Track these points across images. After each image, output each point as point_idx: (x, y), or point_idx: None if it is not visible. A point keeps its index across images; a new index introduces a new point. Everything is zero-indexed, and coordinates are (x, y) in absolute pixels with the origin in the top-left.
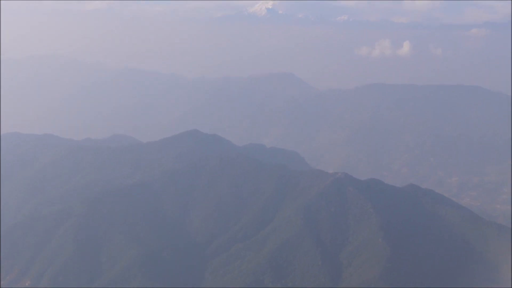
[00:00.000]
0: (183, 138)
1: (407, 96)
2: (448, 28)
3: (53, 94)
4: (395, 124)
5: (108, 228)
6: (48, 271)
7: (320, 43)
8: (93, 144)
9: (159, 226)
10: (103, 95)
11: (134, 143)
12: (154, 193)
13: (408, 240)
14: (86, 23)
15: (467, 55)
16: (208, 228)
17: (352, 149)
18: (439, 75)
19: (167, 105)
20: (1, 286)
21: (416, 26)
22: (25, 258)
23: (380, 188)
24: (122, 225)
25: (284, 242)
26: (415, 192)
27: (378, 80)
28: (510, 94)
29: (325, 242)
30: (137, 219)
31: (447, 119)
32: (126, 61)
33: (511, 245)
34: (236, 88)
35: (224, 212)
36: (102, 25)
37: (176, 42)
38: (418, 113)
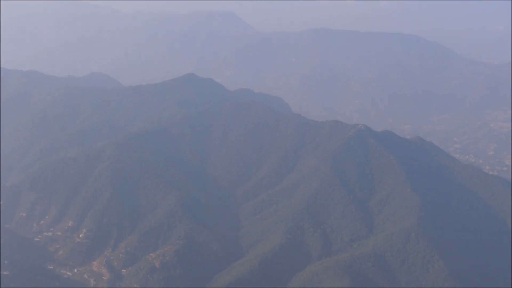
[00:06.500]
0: (181, 82)
1: (352, 43)
2: None
3: None
4: (343, 70)
5: (142, 172)
6: (90, 212)
7: None
8: (79, 83)
9: (186, 171)
10: (40, 27)
11: (116, 84)
12: (173, 139)
13: (432, 190)
14: None
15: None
16: (231, 174)
17: (303, 94)
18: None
19: (108, 40)
20: (42, 225)
21: None
22: (61, 200)
23: (395, 140)
24: (155, 170)
25: (317, 190)
26: (422, 144)
27: (311, 24)
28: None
29: (355, 191)
30: (166, 164)
31: (392, 68)
32: None
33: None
34: (177, 26)
35: (244, 159)
36: None
37: None
38: (364, 60)
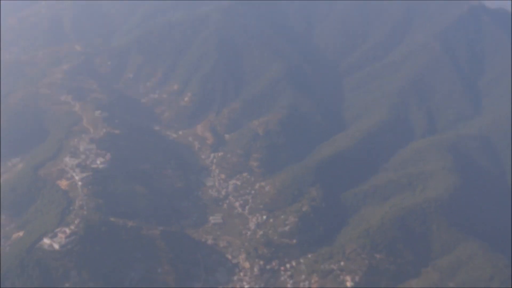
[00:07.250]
0: None
1: None
2: None
3: None
4: None
5: (247, 39)
6: (195, 77)
7: None
8: None
9: (291, 40)
10: None
11: None
12: (277, 6)
13: None
14: None
15: None
16: (336, 45)
17: None
18: None
19: None
20: (148, 87)
21: None
22: (167, 63)
23: (510, 19)
24: (260, 37)
25: (424, 66)
26: None
27: None
28: None
29: (464, 69)
30: (272, 32)
31: None
32: None
33: None
34: None
35: (350, 30)
36: None
37: None
38: None
